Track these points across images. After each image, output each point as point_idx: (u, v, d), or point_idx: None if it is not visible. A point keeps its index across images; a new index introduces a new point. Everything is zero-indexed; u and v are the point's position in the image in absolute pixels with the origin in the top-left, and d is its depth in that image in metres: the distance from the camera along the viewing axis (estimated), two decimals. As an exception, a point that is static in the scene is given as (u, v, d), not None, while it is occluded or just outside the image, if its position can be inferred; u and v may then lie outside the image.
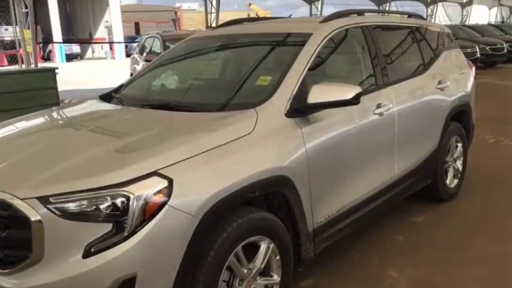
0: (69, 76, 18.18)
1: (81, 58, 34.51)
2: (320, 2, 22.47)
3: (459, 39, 17.05)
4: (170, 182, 1.94)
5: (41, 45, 30.90)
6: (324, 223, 2.78)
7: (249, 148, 2.29)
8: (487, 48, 16.86)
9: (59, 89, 8.14)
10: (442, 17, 27.79)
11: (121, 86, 3.46)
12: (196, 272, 2.05)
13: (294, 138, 2.54)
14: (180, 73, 3.46)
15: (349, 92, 2.59)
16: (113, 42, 32.20)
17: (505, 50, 17.34)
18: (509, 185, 4.67)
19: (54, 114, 3.06)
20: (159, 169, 1.95)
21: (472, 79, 4.58)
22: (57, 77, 8.04)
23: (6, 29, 25.40)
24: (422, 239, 3.59)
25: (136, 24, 50.64)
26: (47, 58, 31.09)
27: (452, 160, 4.30)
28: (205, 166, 2.09)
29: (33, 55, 9.32)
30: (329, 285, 2.99)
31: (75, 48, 33.51)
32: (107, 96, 3.26)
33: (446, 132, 4.07)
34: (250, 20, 3.76)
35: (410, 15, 4.24)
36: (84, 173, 1.97)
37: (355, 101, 2.60)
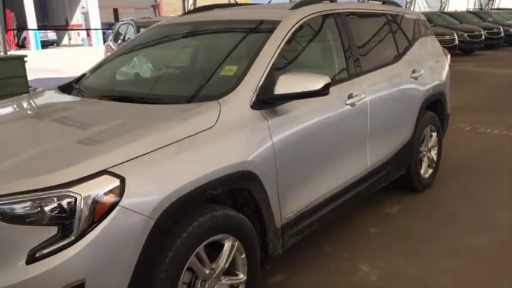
0: (45, 64, 17.74)
1: (58, 45, 33.71)
2: None
3: (437, 26, 17.14)
4: (122, 180, 1.81)
5: (15, 32, 30.11)
6: (292, 218, 2.69)
7: (211, 143, 2.18)
8: (465, 35, 16.92)
9: (34, 77, 7.90)
10: (422, 3, 27.86)
11: (83, 76, 3.29)
12: (152, 275, 1.93)
13: (260, 131, 2.43)
14: (143, 62, 3.31)
15: (318, 83, 2.48)
16: (90, 29, 31.52)
17: (483, 37, 17.45)
18: (483, 174, 4.65)
19: (7, 107, 2.89)
20: (110, 167, 1.82)
21: (447, 68, 4.52)
22: (32, 65, 7.79)
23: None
24: (395, 231, 3.53)
25: (115, 11, 49.60)
26: (22, 45, 30.29)
27: (426, 150, 4.25)
28: (161, 163, 1.96)
29: (2, 43, 8.99)
30: (298, 282, 2.91)
31: (51, 35, 32.69)
32: (66, 87, 3.10)
33: (421, 122, 4.01)
34: (221, 6, 3.61)
35: (384, 2, 4.14)
36: (29, 171, 1.83)
37: (323, 91, 2.50)
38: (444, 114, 4.48)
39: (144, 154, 1.93)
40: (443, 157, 4.89)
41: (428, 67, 4.13)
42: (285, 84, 2.49)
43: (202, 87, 2.66)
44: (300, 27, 2.94)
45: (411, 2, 25.09)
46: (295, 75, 2.53)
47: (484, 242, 3.31)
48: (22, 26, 29.32)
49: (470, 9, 27.43)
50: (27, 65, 7.76)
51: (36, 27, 29.64)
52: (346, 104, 3.04)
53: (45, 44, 30.98)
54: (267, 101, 2.51)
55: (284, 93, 2.49)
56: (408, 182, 4.10)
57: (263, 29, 2.87)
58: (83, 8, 33.18)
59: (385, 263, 3.08)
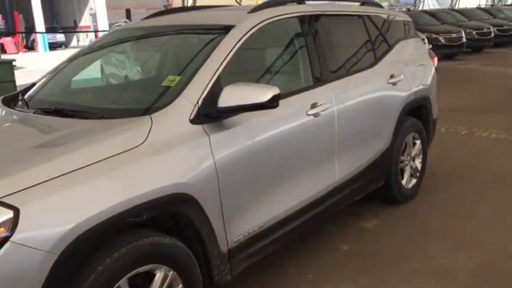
0: (51, 66, 17.67)
1: (66, 47, 33.82)
2: None
3: (446, 23, 16.74)
4: (16, 212, 1.62)
5: (23, 34, 30.26)
6: (242, 241, 2.48)
7: (135, 164, 1.97)
8: (474, 32, 16.49)
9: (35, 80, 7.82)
10: (431, 1, 27.33)
11: (33, 85, 3.11)
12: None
13: (199, 148, 2.22)
14: (91, 71, 3.11)
15: (265, 94, 2.27)
16: (98, 31, 31.57)
17: (492, 35, 16.99)
18: (473, 184, 4.38)
19: None
20: (1, 197, 1.63)
21: (432, 71, 4.26)
22: (38, 67, 7.71)
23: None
24: (368, 248, 3.30)
25: (128, 11, 49.65)
26: (31, 47, 30.45)
27: (409, 159, 4.00)
28: (68, 190, 1.76)
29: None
30: (253, 308, 2.70)
31: (59, 37, 32.76)
32: (11, 99, 2.92)
33: (401, 130, 3.77)
34: (182, 9, 3.40)
35: (363, 3, 3.90)
36: None
37: (271, 104, 2.29)
38: (429, 121, 4.22)
39: (47, 180, 1.72)
40: (434, 164, 4.66)
41: (410, 71, 3.88)
42: (229, 96, 2.28)
43: (137, 100, 2.46)
44: (258, 32, 2.71)
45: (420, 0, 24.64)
46: (240, 86, 2.32)
47: (461, 263, 3.06)
48: (31, 28, 29.46)
49: (482, 6, 26.86)
50: (32, 67, 7.69)
51: (44, 29, 29.72)
52: (308, 115, 2.82)
53: (54, 46, 31.08)
54: (211, 114, 2.31)
55: (228, 106, 2.28)
56: (388, 194, 3.86)
57: (215, 34, 2.66)
58: (91, 9, 33.23)
59: (351, 286, 2.85)
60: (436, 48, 14.52)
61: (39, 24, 29.86)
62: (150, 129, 2.09)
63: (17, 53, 27.54)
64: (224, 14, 3.11)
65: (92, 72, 2.94)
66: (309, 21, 3.09)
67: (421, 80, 4.00)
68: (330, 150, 3.04)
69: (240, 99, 2.27)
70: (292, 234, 2.82)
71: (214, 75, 2.38)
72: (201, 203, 2.19)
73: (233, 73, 2.54)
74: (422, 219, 3.71)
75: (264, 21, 2.77)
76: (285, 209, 2.72)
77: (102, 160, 1.88)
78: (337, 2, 3.68)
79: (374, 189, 3.66)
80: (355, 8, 3.70)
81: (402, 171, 3.96)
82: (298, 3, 3.23)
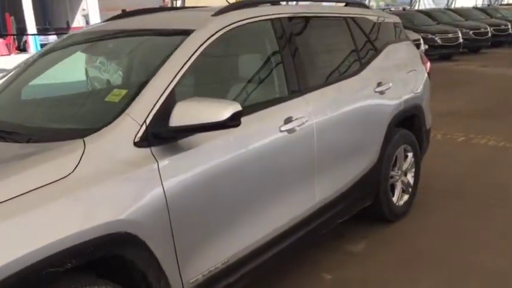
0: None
1: (59, 48, 33.38)
2: None
3: (441, 23, 16.42)
4: None
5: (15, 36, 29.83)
6: (202, 281, 2.13)
7: (57, 201, 1.62)
8: (470, 32, 16.19)
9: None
10: (427, 0, 26.98)
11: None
12: None
13: (145, 176, 1.87)
14: (37, 82, 2.74)
15: (223, 111, 1.92)
16: (91, 32, 31.15)
17: (489, 35, 16.70)
18: (470, 200, 4.03)
19: None
20: None
21: (425, 77, 3.92)
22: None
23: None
24: (353, 276, 2.96)
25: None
26: (23, 49, 30.01)
27: (400, 173, 3.66)
28: None
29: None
30: None
31: (52, 38, 32.35)
32: None
33: (390, 142, 3.43)
34: (147, 11, 3.04)
35: (347, 4, 3.56)
36: None
37: (231, 123, 1.94)
38: (422, 131, 3.88)
39: None
40: (428, 177, 4.31)
41: (400, 78, 3.54)
42: (183, 114, 1.94)
43: (74, 119, 2.11)
44: (222, 38, 2.37)
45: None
46: (196, 102, 1.97)
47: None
48: (22, 30, 29.04)
49: (479, 6, 26.54)
50: None
51: (35, 30, 29.25)
52: (282, 131, 2.47)
53: (46, 47, 30.64)
54: (161, 135, 1.96)
55: (181, 125, 1.94)
56: (377, 212, 3.52)
57: (172, 41, 2.31)
58: (84, 10, 32.78)
59: (331, 325, 2.51)
60: (433, 48, 14.23)
61: (31, 25, 29.40)
62: (82, 155, 1.74)
63: (9, 54, 27.12)
64: (187, 17, 2.76)
65: (44, 80, 2.57)
66: (285, 24, 2.75)
67: (412, 87, 3.66)
68: (308, 170, 2.69)
69: (195, 118, 1.93)
70: (264, 266, 2.48)
71: (167, 88, 2.03)
72: (147, 242, 1.84)
73: (191, 86, 2.21)
74: (413, 241, 3.36)
75: (229, 25, 2.42)
76: (254, 239, 2.37)
77: (14, 197, 1.53)
78: (317, 3, 3.33)
79: (362, 208, 3.32)
80: (337, 9, 3.36)
81: (393, 187, 3.62)
82: (273, 5, 2.89)
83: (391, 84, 3.39)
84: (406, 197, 3.74)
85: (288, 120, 2.52)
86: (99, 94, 2.25)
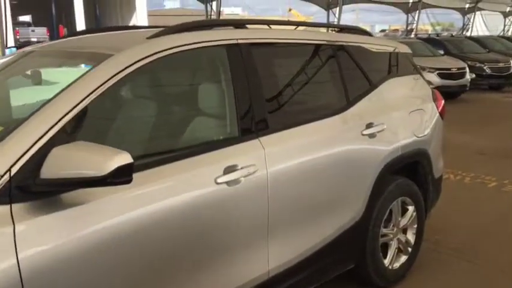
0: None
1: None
2: (338, 8, 20.88)
3: (493, 51, 15.41)
4: None
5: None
6: None
7: None
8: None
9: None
10: (480, 26, 25.68)
11: None
12: None
13: (-5, 243, 1.46)
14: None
15: (106, 164, 1.49)
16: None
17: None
18: (488, 269, 3.35)
19: None
20: None
21: (435, 118, 3.33)
22: None
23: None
24: None
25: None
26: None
27: (396, 231, 3.08)
28: None
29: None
30: None
31: (102, 51, 33.27)
32: None
33: (383, 194, 2.87)
34: (97, 31, 2.68)
35: (342, 29, 3.06)
36: None
37: (116, 179, 1.50)
38: (428, 181, 3.28)
39: None
40: (440, 231, 3.71)
41: (398, 119, 2.99)
42: (58, 163, 1.52)
43: None
44: (151, 66, 1.95)
45: (469, 24, 23.20)
46: (76, 149, 1.55)
47: None
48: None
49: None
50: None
51: (86, 43, 30.26)
52: (219, 183, 2.01)
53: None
54: (29, 189, 1.55)
55: (53, 177, 1.52)
56: (363, 277, 2.95)
57: (82, 67, 1.91)
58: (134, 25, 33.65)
59: None
60: (481, 78, 13.34)
61: (82, 39, 30.36)
62: None
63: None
64: (120, 39, 2.35)
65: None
66: (245, 52, 2.29)
67: (415, 130, 3.09)
68: (256, 232, 2.20)
69: (72, 169, 1.51)
70: None
71: (52, 128, 1.62)
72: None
73: (98, 125, 1.79)
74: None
75: (164, 50, 1.99)
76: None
77: None
78: (300, 28, 2.85)
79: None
80: (322, 36, 2.85)
81: (387, 247, 3.05)
82: (236, 28, 2.45)
83: (385, 125, 2.85)
84: (403, 258, 3.15)
85: (230, 169, 2.05)
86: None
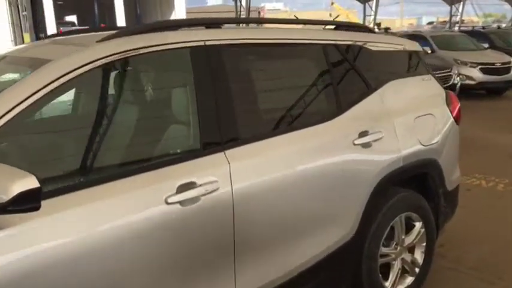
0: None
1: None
2: (375, 0, 20.11)
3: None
4: None
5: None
6: None
7: None
8: None
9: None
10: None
11: None
12: None
13: None
14: None
15: (6, 189, 1.30)
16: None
17: None
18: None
19: None
20: None
21: (448, 124, 2.98)
22: None
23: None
24: None
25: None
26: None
27: (399, 250, 2.76)
28: None
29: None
30: None
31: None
32: None
33: (381, 210, 2.58)
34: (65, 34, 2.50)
35: (338, 26, 2.77)
36: None
37: (18, 206, 1.31)
38: (439, 194, 2.94)
39: None
40: (461, 246, 3.43)
41: (401, 125, 2.67)
42: None
43: None
44: (97, 73, 1.77)
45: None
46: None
47: None
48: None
49: None
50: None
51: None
52: (170, 203, 1.79)
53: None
54: None
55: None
56: (359, 302, 2.66)
57: (23, 74, 1.74)
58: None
59: None
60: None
61: (123, 37, 30.93)
62: None
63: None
64: (73, 42, 2.16)
65: None
66: (215, 55, 2.06)
67: (421, 138, 2.76)
68: (219, 255, 1.97)
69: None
70: None
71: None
72: None
73: (28, 143, 1.61)
74: None
75: (113, 54, 1.79)
76: None
77: None
78: (283, 26, 2.59)
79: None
80: (311, 35, 2.56)
81: (388, 268, 2.74)
82: (208, 28, 2.21)
83: (383, 133, 2.54)
84: (409, 280, 2.84)
85: (185, 187, 1.82)
86: None
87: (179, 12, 32.87)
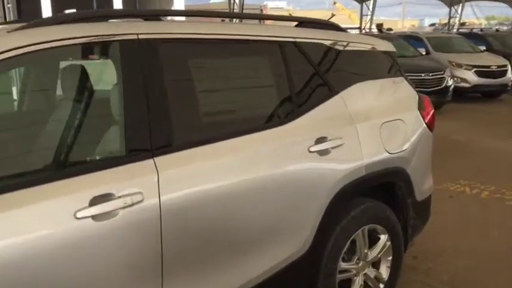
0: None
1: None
2: (372, 0, 19.85)
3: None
4: None
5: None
6: None
7: None
8: None
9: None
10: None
11: None
12: None
13: None
14: None
15: None
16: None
17: None
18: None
19: None
20: None
21: (420, 130, 2.77)
22: None
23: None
24: None
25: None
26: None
27: (361, 265, 2.56)
28: None
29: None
30: None
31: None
32: None
33: (340, 222, 2.37)
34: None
35: (301, 22, 2.56)
36: None
37: None
38: (407, 205, 2.73)
39: None
40: (440, 256, 3.22)
41: (365, 131, 2.46)
42: None
43: None
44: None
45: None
46: None
47: None
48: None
49: None
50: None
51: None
52: (79, 218, 1.58)
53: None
54: None
55: None
56: (315, 321, 2.46)
57: None
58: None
59: None
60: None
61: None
62: None
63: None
64: None
65: None
66: (150, 50, 1.85)
67: (387, 145, 2.55)
68: (143, 274, 1.76)
69: None
70: None
71: None
72: None
73: None
74: None
75: (19, 48, 1.58)
76: None
77: None
78: (234, 21, 2.37)
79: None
80: (265, 31, 2.33)
81: (349, 284, 2.54)
82: (146, 19, 2.01)
83: (343, 140, 2.34)
84: (374, 296, 2.64)
85: (100, 200, 1.62)
86: None
87: (178, 8, 32.51)
